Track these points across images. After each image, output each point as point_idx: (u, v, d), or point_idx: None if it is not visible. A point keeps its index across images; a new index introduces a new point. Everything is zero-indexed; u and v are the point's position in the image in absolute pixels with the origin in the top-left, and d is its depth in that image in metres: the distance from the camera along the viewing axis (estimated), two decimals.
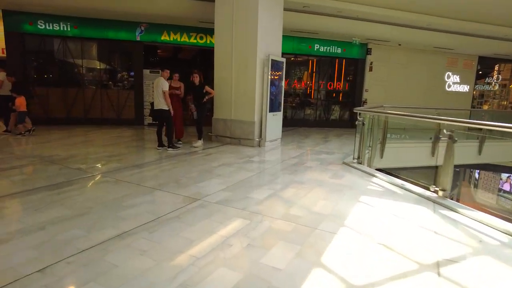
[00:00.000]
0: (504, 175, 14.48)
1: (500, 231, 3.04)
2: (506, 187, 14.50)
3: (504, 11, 8.68)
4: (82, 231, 2.70)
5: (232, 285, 2.03)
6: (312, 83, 11.85)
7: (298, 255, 2.45)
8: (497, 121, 3.88)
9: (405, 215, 3.41)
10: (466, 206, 3.62)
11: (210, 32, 9.35)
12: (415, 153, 7.98)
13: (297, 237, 2.76)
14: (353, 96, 12.00)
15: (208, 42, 9.96)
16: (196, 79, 6.67)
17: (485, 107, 14.30)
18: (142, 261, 2.27)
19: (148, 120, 9.88)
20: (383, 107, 7.47)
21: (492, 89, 14.06)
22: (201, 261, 2.30)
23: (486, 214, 3.38)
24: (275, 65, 7.14)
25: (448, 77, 12.88)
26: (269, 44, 7.11)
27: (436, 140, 7.46)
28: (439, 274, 2.25)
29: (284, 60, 7.58)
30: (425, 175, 6.93)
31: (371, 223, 3.16)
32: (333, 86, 11.98)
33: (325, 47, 11.22)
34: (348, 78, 12.11)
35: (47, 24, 9.01)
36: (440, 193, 3.91)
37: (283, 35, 7.76)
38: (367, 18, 9.03)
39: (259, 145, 7.14)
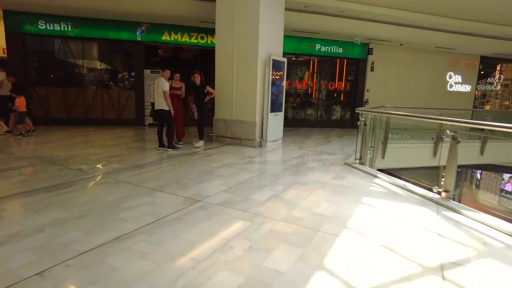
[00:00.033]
0: (506, 176, 14.42)
1: (504, 233, 3.00)
2: (508, 187, 14.45)
3: (506, 11, 8.64)
4: (81, 233, 2.67)
5: None
6: (313, 83, 11.82)
7: (301, 258, 2.41)
8: (499, 121, 3.85)
9: (408, 216, 3.37)
10: (470, 208, 3.58)
11: (211, 32, 9.32)
12: (416, 153, 7.94)
13: (299, 239, 2.72)
14: (355, 96, 11.96)
15: (209, 42, 9.94)
16: (197, 79, 6.64)
17: (487, 107, 14.24)
18: (142, 264, 2.24)
19: (149, 120, 9.85)
20: (385, 107, 7.43)
21: (494, 89, 14.00)
22: (202, 264, 2.26)
23: (490, 216, 3.34)
24: (276, 65, 7.10)
25: (450, 77, 12.83)
26: (270, 44, 7.08)
27: (438, 140, 7.41)
28: (443, 278, 2.21)
29: (285, 60, 7.55)
30: (427, 176, 6.90)
31: (374, 225, 3.12)
32: (335, 86, 11.94)
33: (326, 47, 11.18)
34: (350, 78, 12.07)
35: (47, 24, 9.00)
36: (443, 194, 3.87)
37: (284, 35, 7.73)
38: (369, 18, 8.99)
39: (260, 146, 7.11)
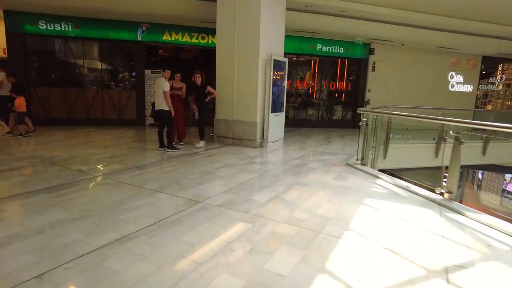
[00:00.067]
0: (508, 176, 14.37)
1: (508, 235, 2.96)
2: (510, 188, 14.40)
3: (507, 11, 8.58)
4: (81, 235, 2.65)
5: None
6: (314, 83, 11.79)
7: (303, 260, 2.39)
8: (501, 122, 3.82)
9: (411, 218, 3.34)
10: (473, 209, 3.55)
11: (212, 32, 9.29)
12: (418, 153, 7.91)
13: (301, 241, 2.69)
14: (356, 96, 11.92)
15: (210, 42, 9.92)
16: (198, 79, 6.61)
17: (489, 107, 14.19)
18: (143, 267, 2.21)
19: (150, 120, 9.83)
20: (386, 107, 7.40)
21: (495, 89, 13.94)
22: (202, 266, 2.24)
23: (493, 217, 3.31)
24: (278, 65, 7.07)
25: (452, 77, 12.78)
26: (271, 44, 7.05)
27: (439, 140, 7.38)
28: (448, 281, 2.18)
29: (286, 60, 7.52)
30: (428, 176, 6.86)
31: (376, 226, 3.09)
32: (336, 86, 11.91)
33: (327, 47, 11.15)
34: (351, 78, 12.04)
35: (48, 24, 8.99)
36: (446, 195, 3.84)
37: (285, 35, 7.70)
38: (370, 17, 8.95)
39: (261, 146, 7.08)
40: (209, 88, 6.75)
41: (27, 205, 3.35)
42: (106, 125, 9.62)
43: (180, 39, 9.85)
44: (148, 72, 9.81)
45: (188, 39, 9.89)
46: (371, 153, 5.97)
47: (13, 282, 1.97)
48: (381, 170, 5.77)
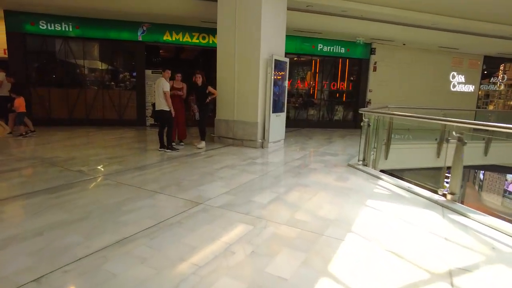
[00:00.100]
0: (510, 176, 14.32)
1: None
2: None
3: (509, 11, 8.53)
4: (80, 237, 2.62)
5: None
6: (315, 83, 11.75)
7: (304, 263, 2.35)
8: (503, 122, 3.77)
9: (414, 220, 3.31)
10: (476, 211, 3.51)
11: (212, 32, 9.27)
12: (419, 154, 7.87)
13: (302, 243, 2.66)
14: (357, 97, 11.88)
15: (210, 42, 9.89)
16: (199, 79, 6.59)
17: (491, 107, 14.13)
18: (142, 270, 2.18)
19: (150, 121, 9.81)
20: (388, 107, 7.36)
21: (497, 89, 13.89)
22: (203, 269, 2.21)
23: (497, 219, 3.27)
24: (279, 65, 7.04)
25: (453, 77, 12.74)
26: (272, 44, 7.01)
27: (441, 141, 7.34)
28: (452, 285, 2.15)
29: (287, 60, 7.48)
30: (429, 177, 6.82)
31: (379, 228, 3.05)
32: (337, 86, 11.88)
33: (328, 47, 11.12)
34: (352, 78, 12.00)
35: (48, 24, 8.98)
36: (449, 196, 3.80)
37: (286, 35, 7.66)
38: (372, 17, 8.90)
39: (262, 147, 7.05)
40: (210, 88, 6.73)
41: (26, 206, 3.33)
42: (107, 125, 9.60)
43: (180, 39, 9.82)
44: (148, 72, 9.78)
45: (189, 39, 9.87)
46: (373, 154, 5.93)
47: (10, 285, 1.94)
48: (382, 171, 5.73)
